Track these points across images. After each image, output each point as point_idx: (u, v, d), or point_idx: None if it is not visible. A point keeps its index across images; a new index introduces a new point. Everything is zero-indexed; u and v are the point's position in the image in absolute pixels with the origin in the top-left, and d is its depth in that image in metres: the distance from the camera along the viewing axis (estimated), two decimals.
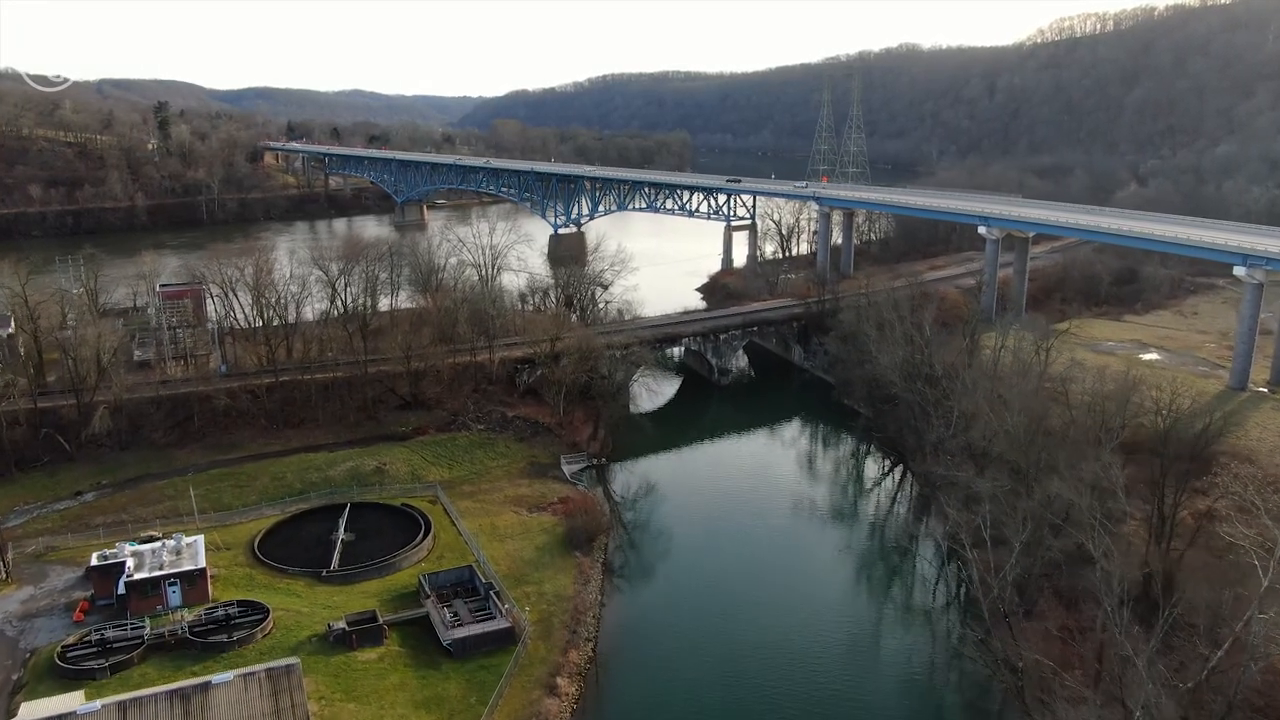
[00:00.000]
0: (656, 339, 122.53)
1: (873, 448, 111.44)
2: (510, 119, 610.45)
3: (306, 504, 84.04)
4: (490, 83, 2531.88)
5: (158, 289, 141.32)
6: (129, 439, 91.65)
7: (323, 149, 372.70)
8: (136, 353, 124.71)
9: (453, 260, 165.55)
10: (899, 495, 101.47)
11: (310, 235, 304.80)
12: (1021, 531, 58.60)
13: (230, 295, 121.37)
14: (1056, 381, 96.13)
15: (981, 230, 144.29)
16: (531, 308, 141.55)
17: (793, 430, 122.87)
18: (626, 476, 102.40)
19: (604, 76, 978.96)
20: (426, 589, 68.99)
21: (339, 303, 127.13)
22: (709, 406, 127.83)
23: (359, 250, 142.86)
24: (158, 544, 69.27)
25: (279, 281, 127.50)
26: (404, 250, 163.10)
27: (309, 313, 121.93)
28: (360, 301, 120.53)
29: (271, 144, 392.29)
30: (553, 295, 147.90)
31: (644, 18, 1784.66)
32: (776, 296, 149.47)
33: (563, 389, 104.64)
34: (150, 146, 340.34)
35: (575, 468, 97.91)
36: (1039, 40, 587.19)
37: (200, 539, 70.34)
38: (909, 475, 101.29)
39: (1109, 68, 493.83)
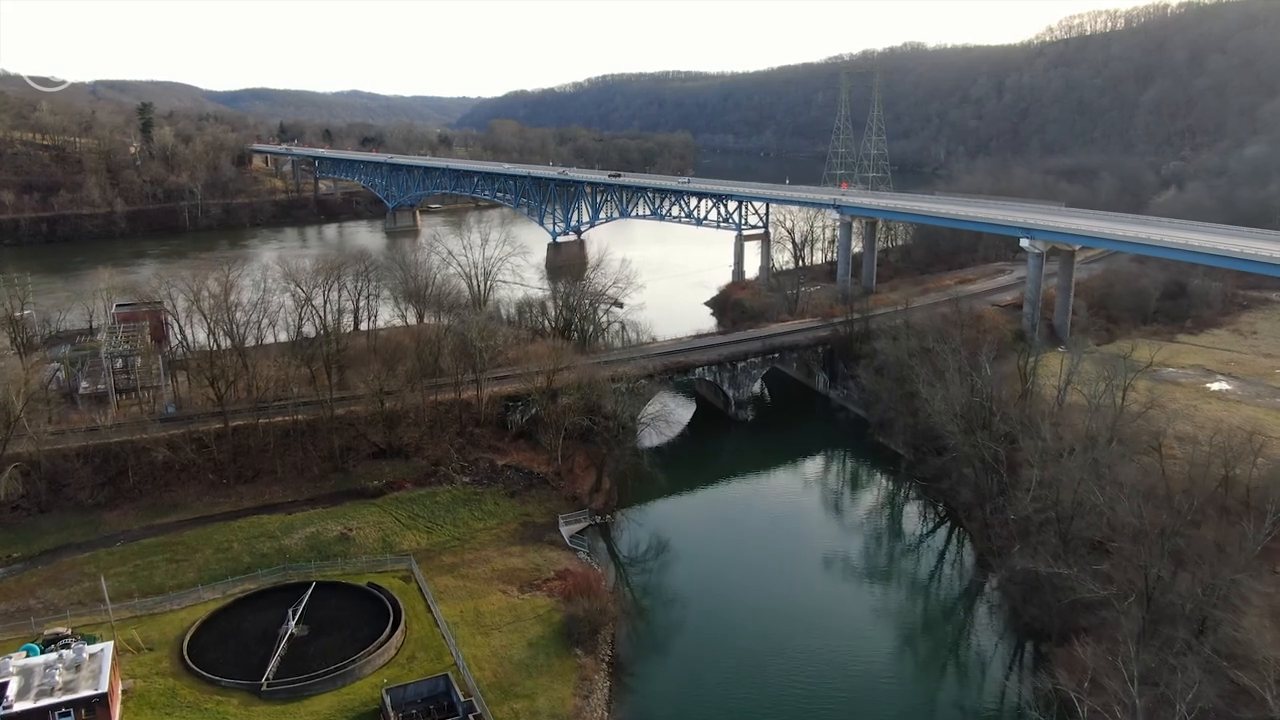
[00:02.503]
0: (667, 369, 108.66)
1: (916, 496, 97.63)
2: (509, 119, 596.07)
3: (254, 583, 70.17)
4: (489, 83, 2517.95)
5: (113, 310, 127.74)
6: (49, 500, 77.79)
7: (312, 151, 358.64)
8: (84, 384, 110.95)
9: (441, 276, 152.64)
10: (951, 558, 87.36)
11: (299, 242, 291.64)
12: (1186, 689, 42.54)
13: (185, 320, 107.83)
14: (1136, 424, 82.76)
15: (1024, 243, 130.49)
16: (527, 330, 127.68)
17: (821, 474, 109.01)
18: (634, 535, 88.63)
19: (604, 76, 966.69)
20: (390, 709, 55.22)
21: (310, 327, 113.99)
22: (725, 443, 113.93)
23: (336, 265, 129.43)
24: (54, 655, 55.35)
25: (242, 304, 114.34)
26: (388, 264, 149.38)
27: (272, 340, 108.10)
28: (329, 330, 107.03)
29: (259, 147, 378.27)
30: (550, 309, 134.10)
31: (644, 17, 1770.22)
32: (797, 316, 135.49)
33: (561, 432, 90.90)
34: (133, 150, 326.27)
35: (575, 528, 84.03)
36: (1048, 38, 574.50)
37: (109, 647, 56.41)
38: (963, 534, 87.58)
39: (1121, 66, 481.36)
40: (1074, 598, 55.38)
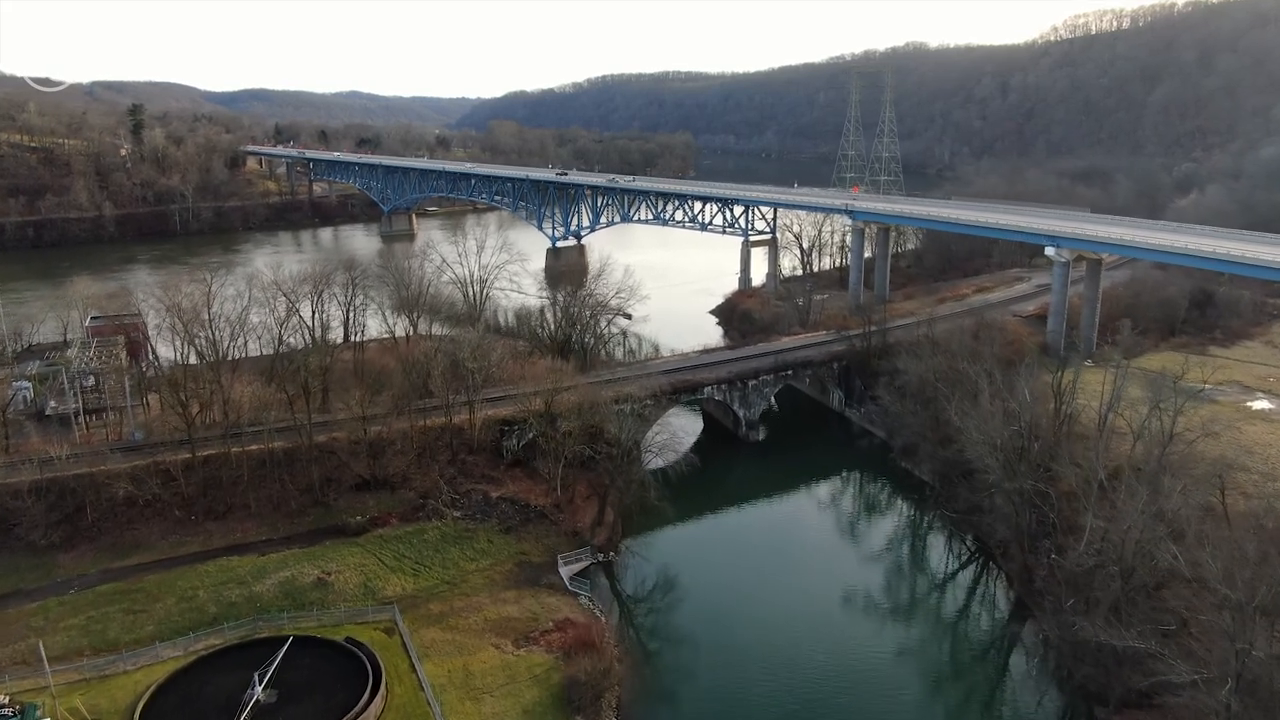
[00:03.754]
0: (673, 389, 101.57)
1: (942, 527, 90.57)
2: (508, 120, 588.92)
3: (220, 638, 63.09)
4: (488, 84, 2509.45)
5: (86, 324, 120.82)
6: None
7: (306, 153, 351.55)
8: (51, 404, 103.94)
9: (435, 285, 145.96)
10: (984, 599, 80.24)
11: (294, 247, 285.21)
12: None
13: (158, 335, 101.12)
14: (1186, 453, 75.80)
15: (1049, 252, 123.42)
16: (525, 344, 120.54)
17: (838, 500, 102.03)
18: (639, 571, 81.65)
19: (603, 77, 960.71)
20: None
21: (298, 339, 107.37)
22: (735, 465, 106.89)
23: (324, 276, 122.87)
24: None
25: (225, 315, 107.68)
26: (379, 274, 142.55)
27: (252, 355, 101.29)
28: (317, 343, 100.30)
29: (253, 148, 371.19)
30: (549, 320, 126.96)
31: (644, 17, 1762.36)
32: (810, 328, 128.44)
33: (561, 461, 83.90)
34: (123, 152, 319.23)
35: (576, 568, 76.95)
36: (1053, 38, 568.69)
37: None
38: (997, 573, 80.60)
39: (1128, 66, 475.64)
40: (1141, 666, 48.40)
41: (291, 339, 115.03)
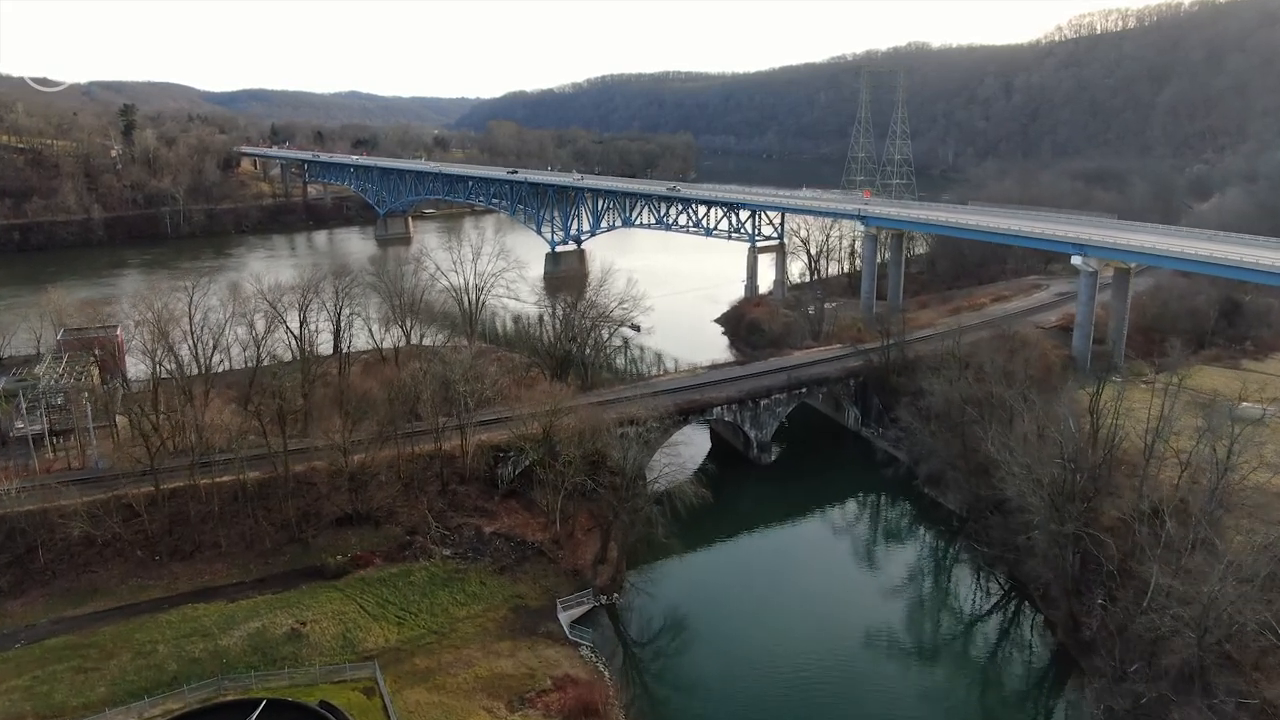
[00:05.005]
0: (680, 410, 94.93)
1: (970, 561, 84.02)
2: (507, 121, 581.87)
3: (179, 702, 56.35)
4: (487, 84, 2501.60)
5: (59, 336, 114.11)
6: None
7: (300, 154, 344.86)
8: (18, 425, 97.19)
9: (428, 295, 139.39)
10: (1019, 644, 73.76)
11: (288, 250, 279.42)
12: None
13: (130, 350, 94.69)
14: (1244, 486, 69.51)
15: (1076, 261, 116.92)
16: (522, 359, 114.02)
17: (856, 528, 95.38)
18: (645, 610, 75.12)
19: (603, 77, 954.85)
20: None
21: (284, 351, 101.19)
22: (745, 490, 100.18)
23: (310, 286, 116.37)
24: None
25: (197, 329, 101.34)
26: (370, 283, 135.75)
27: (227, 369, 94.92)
28: (305, 356, 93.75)
29: (247, 149, 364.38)
30: (548, 332, 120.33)
31: (644, 17, 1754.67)
32: (823, 341, 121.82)
33: (561, 492, 77.32)
34: (113, 153, 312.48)
35: (577, 613, 70.25)
36: (1057, 38, 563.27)
37: None
38: (1035, 616, 74.09)
39: (1135, 66, 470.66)
40: None
41: (278, 350, 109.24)
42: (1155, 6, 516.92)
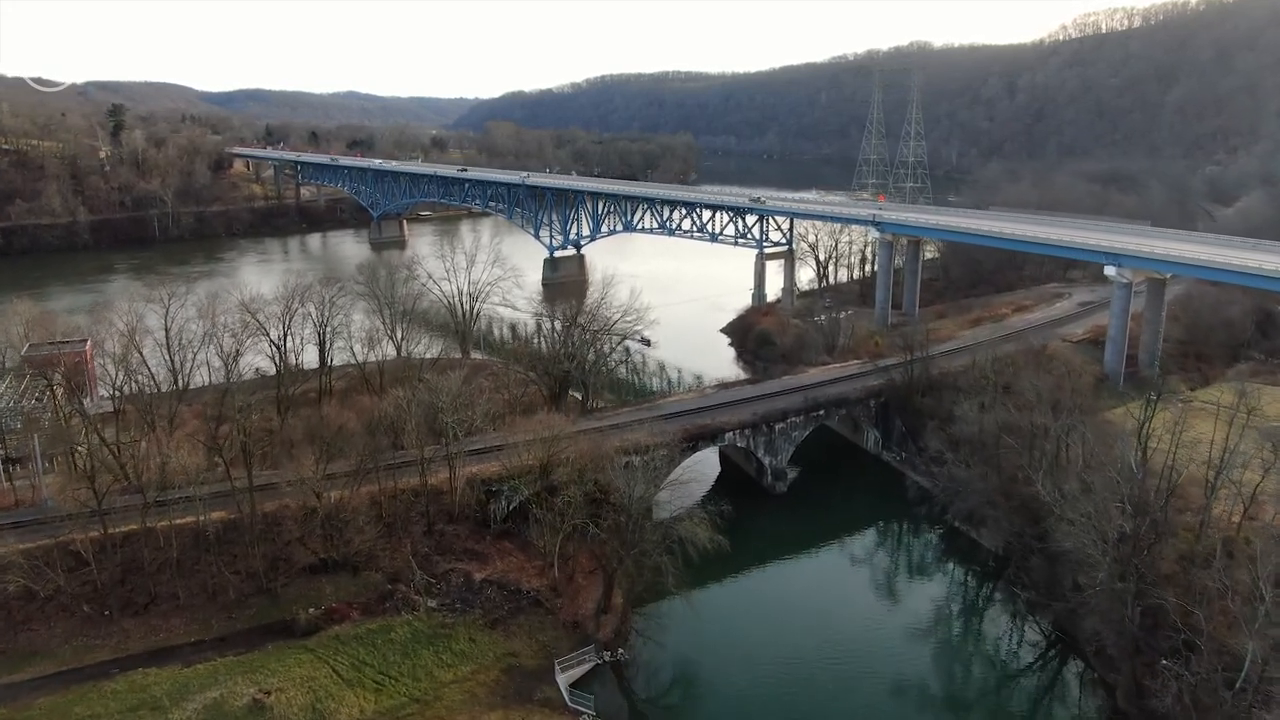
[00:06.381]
0: (689, 436, 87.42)
1: (1007, 603, 76.68)
2: (506, 121, 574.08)
3: None
4: (486, 84, 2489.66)
5: (23, 352, 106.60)
6: None
7: (292, 155, 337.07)
8: None
9: (421, 303, 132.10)
10: (1068, 702, 66.39)
11: (281, 254, 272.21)
12: None
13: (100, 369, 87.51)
14: None
15: (1110, 272, 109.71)
16: (518, 375, 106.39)
17: (879, 565, 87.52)
18: (654, 663, 67.45)
19: (603, 77, 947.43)
20: None
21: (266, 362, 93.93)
22: (759, 523, 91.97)
23: (295, 293, 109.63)
24: None
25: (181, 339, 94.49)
26: (358, 293, 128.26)
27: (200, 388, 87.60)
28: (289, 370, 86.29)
29: (239, 150, 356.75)
30: (545, 349, 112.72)
31: (644, 17, 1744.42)
32: (839, 357, 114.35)
33: (560, 533, 69.89)
34: (101, 154, 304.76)
35: (577, 673, 62.81)
36: (1061, 37, 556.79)
37: None
38: (1086, 671, 66.68)
39: (1142, 65, 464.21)
40: None
41: (259, 363, 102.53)
42: (1162, 5, 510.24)
